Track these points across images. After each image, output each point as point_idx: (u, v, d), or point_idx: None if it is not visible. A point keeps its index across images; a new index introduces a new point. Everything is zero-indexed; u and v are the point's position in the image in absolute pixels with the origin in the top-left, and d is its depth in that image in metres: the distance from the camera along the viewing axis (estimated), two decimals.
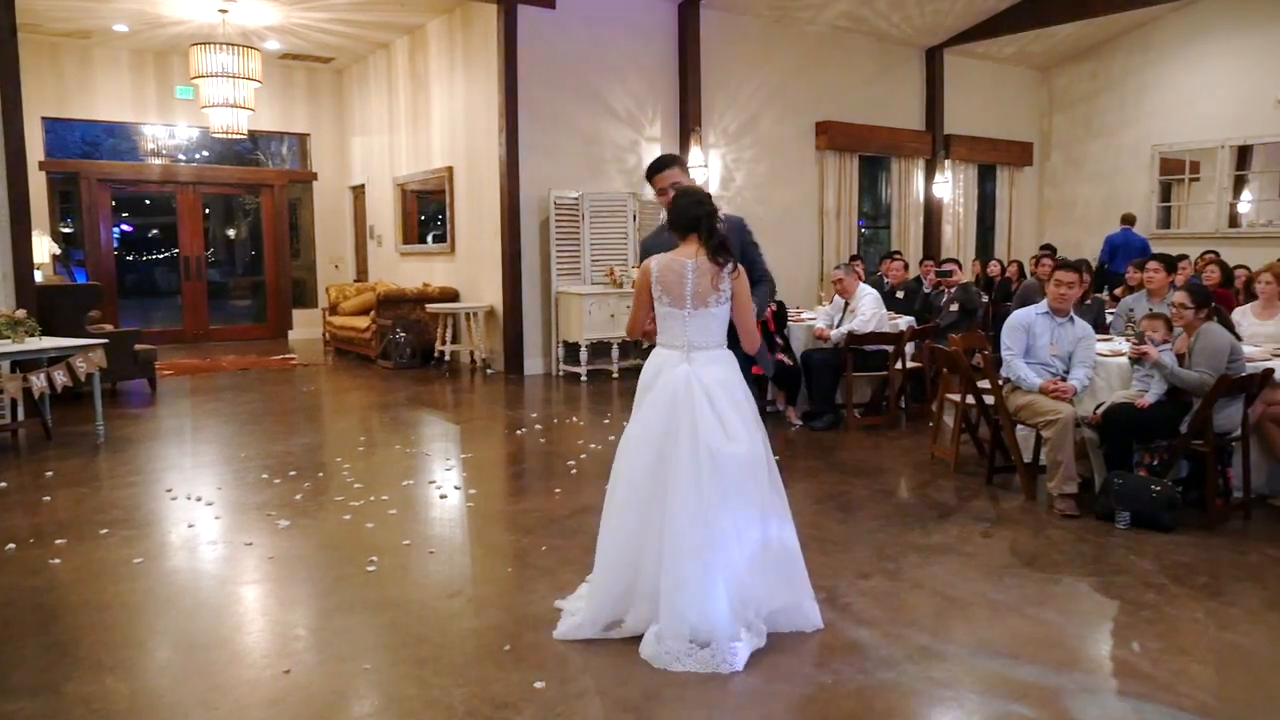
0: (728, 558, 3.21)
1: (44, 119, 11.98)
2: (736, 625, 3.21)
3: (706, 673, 3.09)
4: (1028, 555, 4.35)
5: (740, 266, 3.40)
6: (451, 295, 11.16)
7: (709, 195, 3.46)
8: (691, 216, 3.35)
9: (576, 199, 10.13)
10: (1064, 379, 5.16)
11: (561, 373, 10.07)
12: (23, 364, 6.71)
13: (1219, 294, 6.97)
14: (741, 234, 3.84)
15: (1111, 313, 7.23)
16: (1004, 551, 4.40)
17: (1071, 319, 5.29)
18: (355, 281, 13.92)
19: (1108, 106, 14.18)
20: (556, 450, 6.58)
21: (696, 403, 3.25)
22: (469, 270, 11.07)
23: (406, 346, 10.78)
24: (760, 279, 3.84)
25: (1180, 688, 3.03)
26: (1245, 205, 13.24)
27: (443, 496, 5.37)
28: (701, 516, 3.17)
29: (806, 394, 7.42)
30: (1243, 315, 6.06)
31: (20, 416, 7.11)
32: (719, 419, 3.26)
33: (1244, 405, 4.80)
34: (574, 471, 5.90)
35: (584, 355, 9.72)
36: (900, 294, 9.22)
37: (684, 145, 11.02)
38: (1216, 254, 9.00)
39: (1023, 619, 3.59)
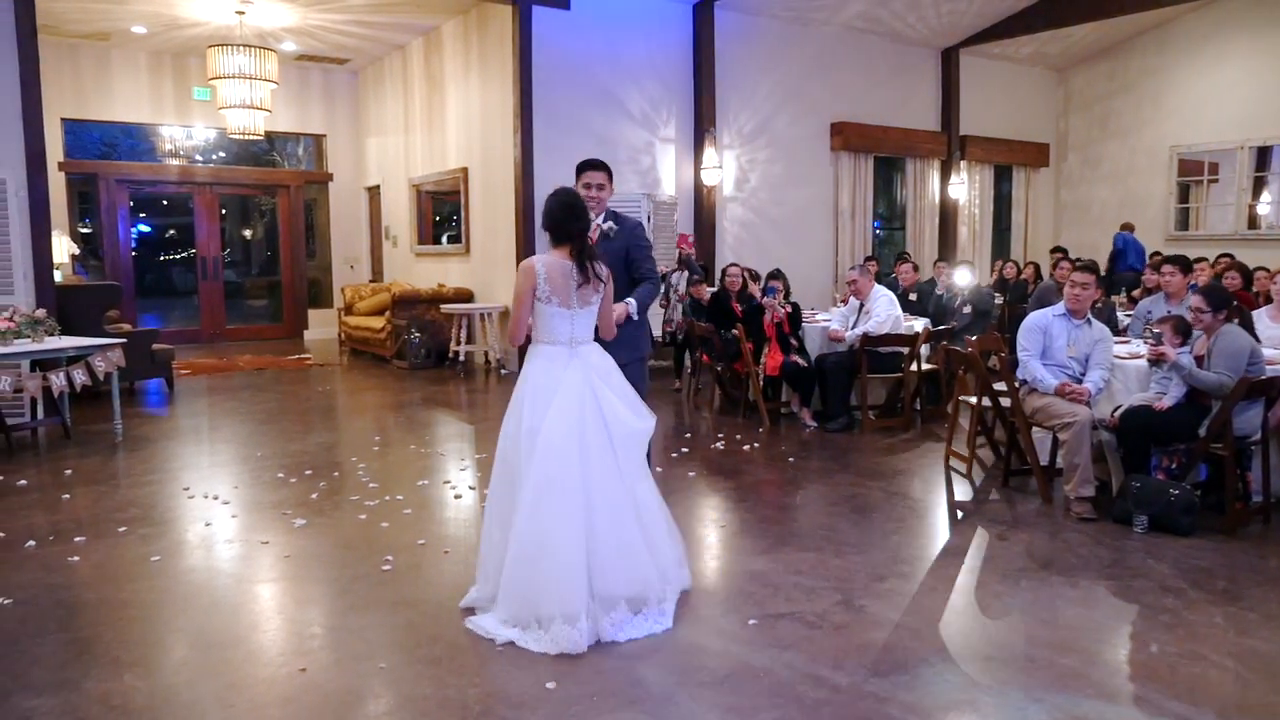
0: (648, 522, 3.56)
1: (63, 120, 12.09)
2: (663, 585, 3.55)
3: (725, 668, 3.10)
4: (1044, 558, 4.32)
5: (609, 270, 3.71)
6: (466, 296, 11.19)
7: (586, 208, 3.72)
8: (567, 231, 3.58)
9: None
10: (1080, 381, 5.13)
11: None
12: (42, 363, 6.77)
13: (1239, 297, 6.91)
14: (634, 236, 4.33)
15: (1129, 315, 7.18)
16: (1020, 554, 4.38)
17: (1089, 321, 5.26)
18: (370, 282, 13.98)
19: (1125, 107, 14.10)
20: None
21: (599, 393, 3.52)
22: (484, 271, 11.10)
23: (421, 347, 10.81)
24: (645, 277, 4.29)
25: (1199, 693, 3.01)
26: (1265, 207, 13.14)
27: (457, 496, 5.39)
28: (625, 489, 3.48)
29: (820, 396, 7.40)
30: (1257, 319, 6.02)
31: (40, 415, 7.18)
32: (622, 401, 3.58)
33: (1264, 409, 4.76)
34: None
35: None
36: (913, 296, 9.19)
37: (698, 146, 11.02)
38: (1231, 256, 8.95)
39: (1039, 622, 3.57)
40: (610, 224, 4.31)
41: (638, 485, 3.58)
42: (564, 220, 3.58)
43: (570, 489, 3.36)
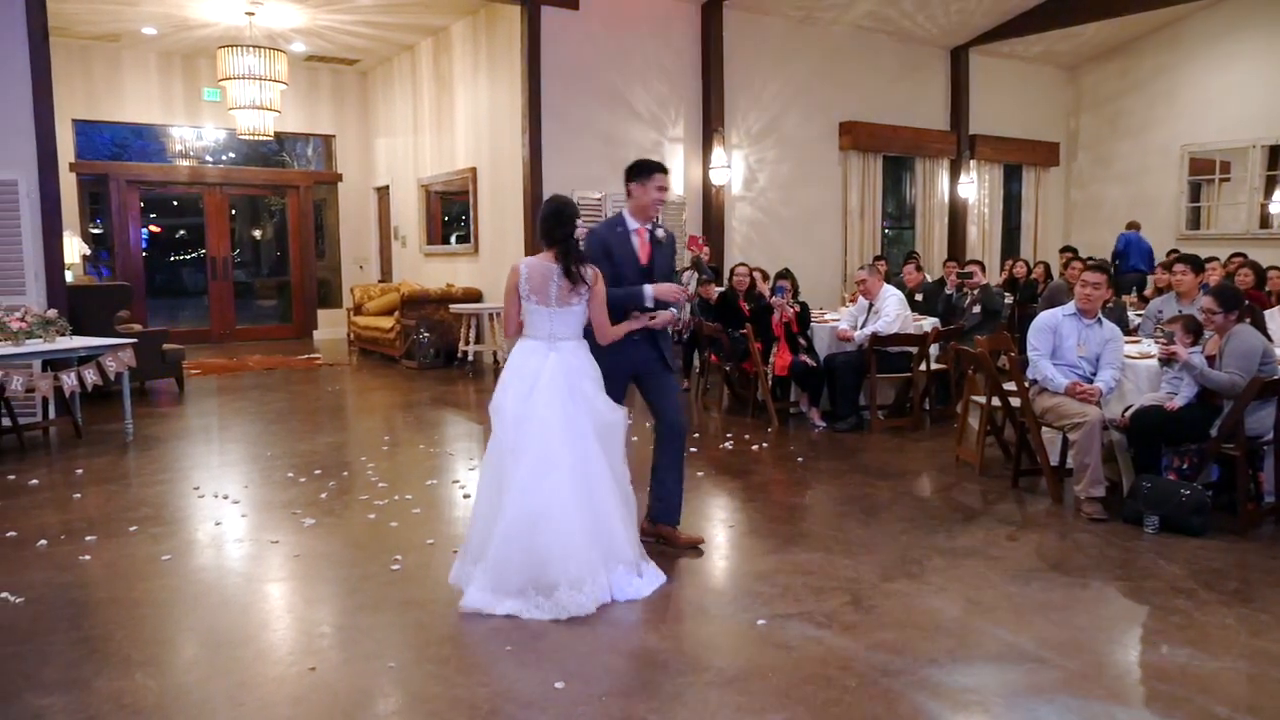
0: (629, 498, 3.92)
1: (74, 121, 12.15)
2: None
3: (734, 668, 3.10)
4: (1054, 559, 4.30)
5: (595, 271, 3.93)
6: (475, 296, 11.20)
7: (574, 216, 3.93)
8: (553, 237, 3.87)
9: (599, 199, 10.14)
10: (1091, 381, 5.11)
11: None
12: (54, 363, 6.80)
13: (1251, 295, 6.87)
14: (671, 248, 4.47)
15: (1140, 314, 7.15)
16: (1030, 555, 4.36)
17: (1099, 320, 5.24)
18: (379, 282, 14.02)
19: (1136, 106, 14.03)
20: None
21: (580, 384, 3.83)
22: (492, 271, 11.10)
23: (430, 346, 10.84)
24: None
25: (1210, 695, 2.99)
26: (1277, 206, 13.05)
27: (466, 496, 5.39)
28: (611, 472, 3.81)
29: (829, 395, 7.38)
30: (1270, 318, 5.98)
31: (51, 415, 7.21)
32: (600, 396, 3.90)
33: (1276, 408, 4.73)
34: None
35: None
36: (919, 296, 9.15)
37: (707, 146, 11.01)
38: (1244, 255, 8.90)
39: (1049, 623, 3.55)
40: (662, 230, 4.42)
41: (617, 465, 3.89)
42: (551, 227, 3.87)
43: (564, 463, 3.66)
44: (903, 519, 4.94)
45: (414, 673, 3.16)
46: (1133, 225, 12.43)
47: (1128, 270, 11.65)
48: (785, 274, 7.77)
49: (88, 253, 11.68)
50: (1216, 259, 8.58)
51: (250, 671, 3.17)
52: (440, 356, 10.94)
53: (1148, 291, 9.19)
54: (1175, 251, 10.19)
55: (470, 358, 10.74)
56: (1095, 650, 3.34)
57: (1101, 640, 3.45)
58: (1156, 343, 5.28)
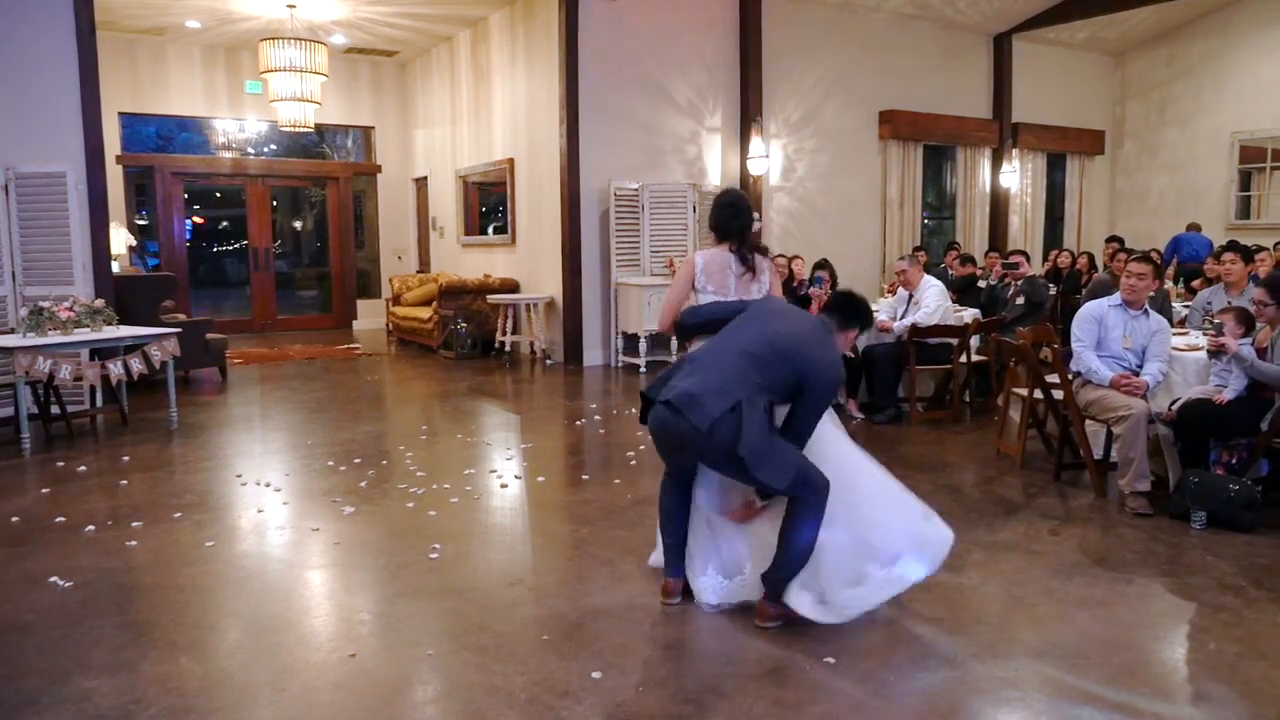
0: None
1: (120, 114, 12.35)
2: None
3: (771, 661, 3.09)
4: (1098, 554, 4.23)
5: (770, 262, 4.12)
6: (512, 286, 11.24)
7: (749, 209, 4.07)
8: (730, 229, 3.98)
9: (636, 190, 10.12)
10: (1137, 373, 5.01)
11: (621, 364, 10.09)
12: (101, 352, 6.94)
13: None
14: None
15: (1187, 306, 7.01)
16: (1073, 550, 4.29)
17: (1146, 312, 5.13)
18: (418, 272, 14.11)
19: (1184, 93, 13.72)
20: (616, 441, 6.59)
21: None
22: (529, 261, 11.15)
23: (468, 337, 10.90)
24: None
25: (1260, 695, 2.93)
26: None
27: (504, 486, 5.42)
28: None
29: (867, 387, 7.32)
30: None
31: (99, 403, 7.36)
32: None
33: None
34: (633, 462, 5.91)
35: (643, 346, 9.73)
36: (982, 284, 8.99)
37: (745, 136, 10.94)
38: None
39: (1092, 619, 3.50)
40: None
41: None
42: (728, 219, 3.99)
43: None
44: (942, 512, 4.81)
45: (452, 660, 3.18)
46: (1192, 226, 12.13)
47: (1186, 260, 11.37)
48: (823, 264, 7.72)
49: (133, 243, 11.90)
50: (1267, 249, 8.37)
51: (291, 657, 3.22)
52: (477, 347, 11.00)
53: (1196, 283, 8.99)
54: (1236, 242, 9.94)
55: (507, 348, 10.79)
56: (1139, 647, 3.29)
57: (1146, 637, 3.39)
58: (1205, 335, 5.17)
